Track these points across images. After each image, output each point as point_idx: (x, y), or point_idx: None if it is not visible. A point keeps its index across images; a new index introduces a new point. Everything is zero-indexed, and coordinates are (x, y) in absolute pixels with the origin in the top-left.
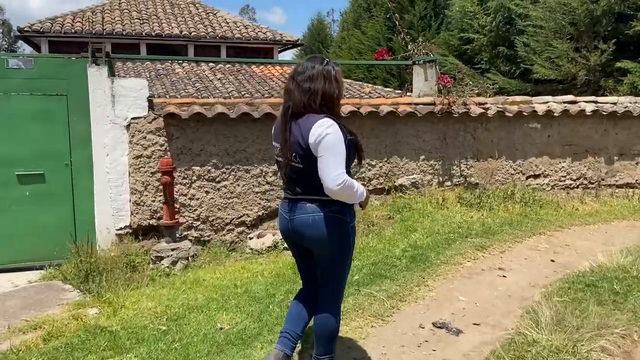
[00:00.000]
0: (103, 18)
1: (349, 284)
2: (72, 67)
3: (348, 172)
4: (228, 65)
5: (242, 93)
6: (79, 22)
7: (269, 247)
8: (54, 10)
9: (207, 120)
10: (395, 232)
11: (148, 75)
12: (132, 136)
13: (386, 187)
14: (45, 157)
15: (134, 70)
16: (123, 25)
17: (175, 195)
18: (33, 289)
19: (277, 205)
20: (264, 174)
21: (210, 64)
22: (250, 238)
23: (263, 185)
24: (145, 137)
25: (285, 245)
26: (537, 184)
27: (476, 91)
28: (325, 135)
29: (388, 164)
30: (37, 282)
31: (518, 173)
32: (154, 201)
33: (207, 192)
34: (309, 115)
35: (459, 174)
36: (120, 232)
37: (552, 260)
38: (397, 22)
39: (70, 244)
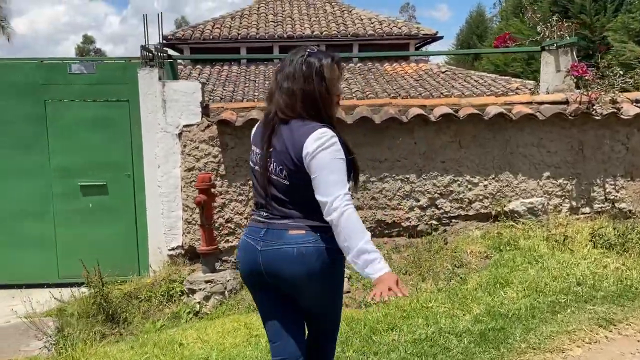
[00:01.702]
0: (240, 23)
1: None
2: (133, 71)
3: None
4: (359, 64)
5: (367, 93)
6: (218, 28)
7: None
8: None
9: None
10: (478, 284)
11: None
12: (184, 146)
13: (492, 213)
14: (107, 168)
15: (264, 74)
16: (257, 29)
17: (230, 215)
18: (6, 329)
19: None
20: None
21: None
22: None
23: None
24: (197, 147)
25: None
26: None
27: (630, 83)
28: (323, 148)
29: (496, 182)
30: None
31: None
32: None
33: None
34: (302, 122)
35: (603, 197)
36: (172, 252)
37: None
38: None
39: (85, 269)
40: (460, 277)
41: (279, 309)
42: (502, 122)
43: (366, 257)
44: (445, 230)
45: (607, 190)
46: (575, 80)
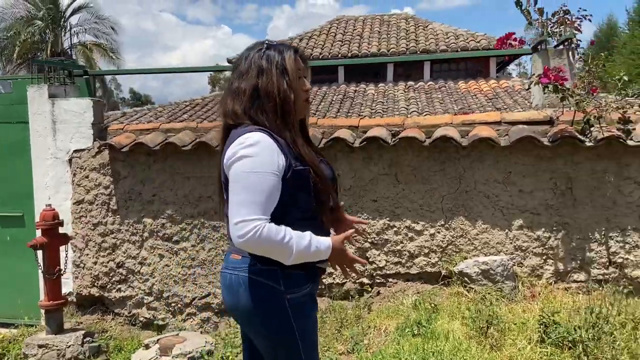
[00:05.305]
0: (307, 44)
1: None
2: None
3: (301, 219)
4: (430, 83)
5: (424, 114)
6: None
7: None
8: None
9: (158, 153)
10: None
11: (333, 99)
12: (74, 174)
13: (442, 272)
14: (24, 198)
15: (322, 95)
16: (322, 49)
17: (122, 258)
18: None
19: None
20: None
21: (409, 82)
22: (146, 345)
23: None
24: (87, 177)
25: None
26: None
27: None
28: (237, 158)
29: (446, 230)
30: None
31: None
32: (95, 263)
33: (161, 256)
34: (244, 127)
35: (606, 259)
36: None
37: None
38: None
39: None
40: None
41: (245, 345)
42: (451, 149)
43: (307, 253)
44: (378, 293)
45: (612, 250)
46: (548, 88)
